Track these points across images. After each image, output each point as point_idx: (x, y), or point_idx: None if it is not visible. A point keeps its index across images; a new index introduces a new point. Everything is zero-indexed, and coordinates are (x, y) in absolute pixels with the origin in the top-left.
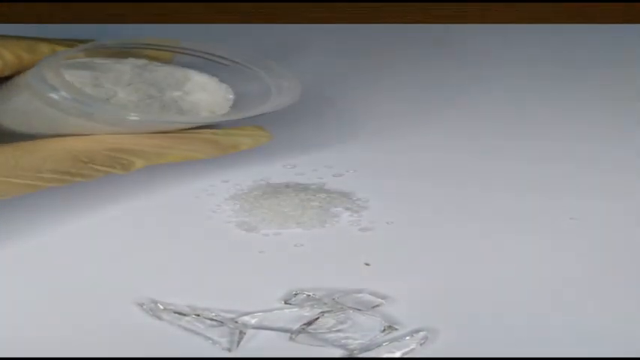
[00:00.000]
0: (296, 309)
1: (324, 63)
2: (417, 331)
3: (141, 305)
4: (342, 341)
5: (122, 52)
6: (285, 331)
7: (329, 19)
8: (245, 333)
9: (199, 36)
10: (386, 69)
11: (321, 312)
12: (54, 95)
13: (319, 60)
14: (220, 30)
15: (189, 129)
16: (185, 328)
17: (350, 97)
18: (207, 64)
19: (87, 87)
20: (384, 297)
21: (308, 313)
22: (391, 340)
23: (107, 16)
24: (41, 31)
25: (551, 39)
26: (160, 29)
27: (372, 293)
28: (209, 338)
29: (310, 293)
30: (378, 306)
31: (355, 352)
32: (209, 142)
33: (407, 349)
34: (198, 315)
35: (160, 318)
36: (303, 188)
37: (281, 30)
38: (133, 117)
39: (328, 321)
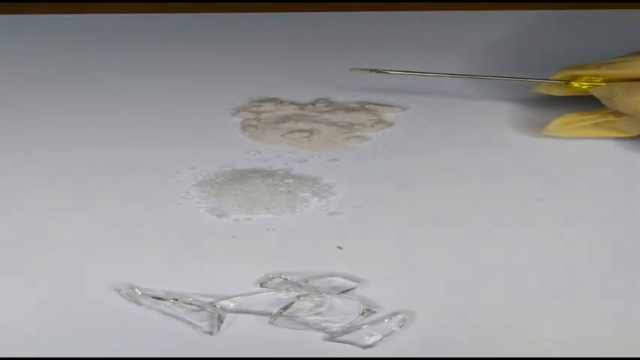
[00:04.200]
0: (273, 292)
1: None
2: (395, 313)
3: (118, 291)
4: (322, 324)
5: None
6: (264, 314)
7: None
8: (224, 317)
9: None
10: None
11: (297, 296)
12: None
13: None
14: None
15: None
16: (164, 313)
17: None
18: None
19: None
20: (358, 280)
21: (285, 296)
22: (370, 323)
23: None
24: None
25: None
26: None
27: (345, 276)
28: (189, 322)
29: (286, 277)
30: (352, 289)
31: (336, 335)
32: None
33: (387, 332)
34: (177, 300)
35: (138, 303)
36: (269, 174)
37: None
38: None
39: (305, 304)
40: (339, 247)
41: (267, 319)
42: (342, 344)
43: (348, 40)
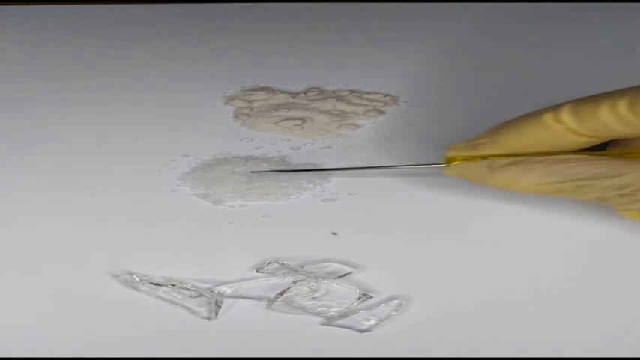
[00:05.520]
0: (269, 277)
1: None
2: (392, 298)
3: (116, 277)
4: (319, 309)
5: None
6: (261, 299)
7: None
8: (222, 302)
9: None
10: None
11: (294, 280)
12: None
13: None
14: None
15: None
16: (163, 299)
17: None
18: None
19: None
20: (353, 265)
21: (282, 281)
22: (367, 308)
23: None
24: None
25: None
26: None
27: (341, 262)
28: (188, 308)
29: (283, 262)
30: (348, 274)
31: (333, 319)
32: None
33: (384, 317)
34: (175, 285)
35: (136, 289)
36: (263, 161)
37: None
38: None
39: (302, 289)
40: (334, 233)
41: (264, 303)
42: (338, 328)
43: (339, 29)
